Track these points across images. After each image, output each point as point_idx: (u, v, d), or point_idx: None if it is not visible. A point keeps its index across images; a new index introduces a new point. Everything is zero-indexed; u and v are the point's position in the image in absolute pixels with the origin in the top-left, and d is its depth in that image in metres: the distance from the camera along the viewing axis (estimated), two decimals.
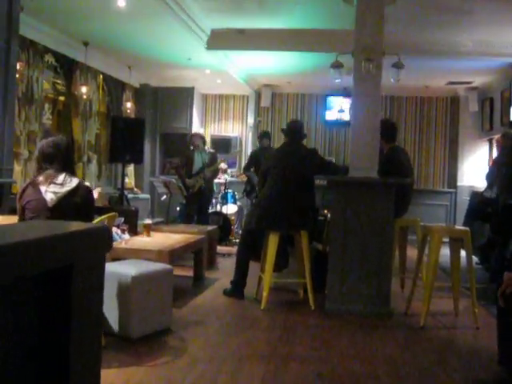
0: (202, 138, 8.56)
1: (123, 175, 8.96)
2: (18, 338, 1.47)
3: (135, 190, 10.40)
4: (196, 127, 11.14)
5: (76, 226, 1.99)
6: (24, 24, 5.84)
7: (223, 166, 9.72)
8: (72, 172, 3.52)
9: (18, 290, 1.44)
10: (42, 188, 3.37)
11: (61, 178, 3.41)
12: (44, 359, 1.57)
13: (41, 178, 3.41)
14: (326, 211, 6.54)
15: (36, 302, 1.54)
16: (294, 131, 5.35)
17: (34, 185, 3.41)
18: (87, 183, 4.19)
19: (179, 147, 10.32)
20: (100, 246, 1.79)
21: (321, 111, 11.11)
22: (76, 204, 3.41)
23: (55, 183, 3.38)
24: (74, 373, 1.59)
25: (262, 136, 8.87)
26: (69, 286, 1.58)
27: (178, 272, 5.63)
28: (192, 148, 8.31)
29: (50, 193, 3.35)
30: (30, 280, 1.47)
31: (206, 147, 8.82)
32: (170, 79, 10.69)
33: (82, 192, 3.47)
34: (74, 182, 3.45)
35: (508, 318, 3.04)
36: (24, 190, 3.44)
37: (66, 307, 1.56)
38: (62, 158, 3.46)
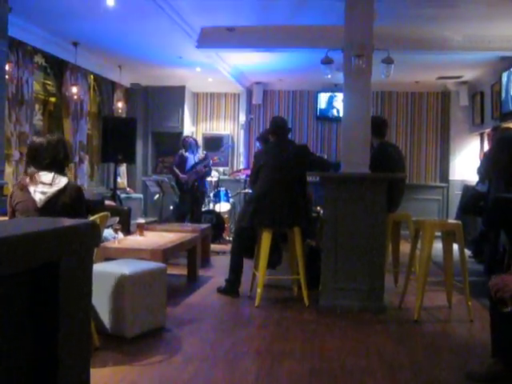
0: (195, 140, 9.13)
1: (115, 175, 8.95)
2: (5, 335, 1.47)
3: (128, 189, 10.39)
4: (188, 126, 11.12)
5: (61, 221, 1.98)
6: (13, 25, 5.81)
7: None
8: (61, 171, 3.51)
9: (3, 287, 1.44)
10: (31, 189, 3.36)
11: (49, 177, 3.41)
12: (32, 356, 1.57)
13: (27, 180, 3.40)
14: (318, 208, 6.54)
15: (22, 299, 1.53)
16: (280, 128, 5.33)
17: (22, 187, 3.40)
18: (79, 183, 4.18)
19: (172, 146, 10.37)
20: (87, 242, 1.79)
21: (312, 107, 11.11)
22: (65, 204, 3.41)
23: (44, 183, 3.38)
24: (63, 368, 1.59)
25: None
26: (56, 282, 1.57)
27: (171, 271, 5.63)
28: (185, 149, 8.72)
29: (38, 193, 3.35)
30: (16, 277, 1.47)
31: (200, 150, 9.35)
32: (161, 78, 10.66)
33: (70, 191, 3.46)
34: (63, 181, 3.44)
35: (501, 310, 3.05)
36: (12, 194, 3.44)
37: (54, 303, 1.56)
38: (49, 158, 3.45)
